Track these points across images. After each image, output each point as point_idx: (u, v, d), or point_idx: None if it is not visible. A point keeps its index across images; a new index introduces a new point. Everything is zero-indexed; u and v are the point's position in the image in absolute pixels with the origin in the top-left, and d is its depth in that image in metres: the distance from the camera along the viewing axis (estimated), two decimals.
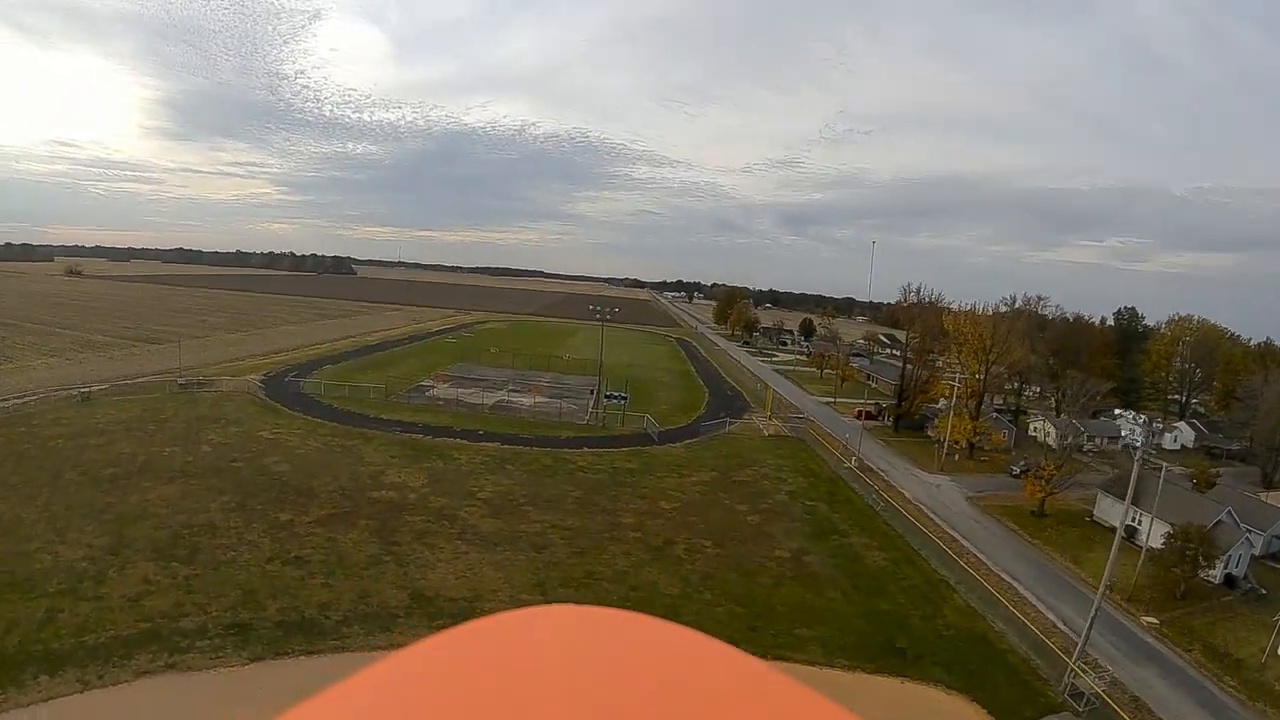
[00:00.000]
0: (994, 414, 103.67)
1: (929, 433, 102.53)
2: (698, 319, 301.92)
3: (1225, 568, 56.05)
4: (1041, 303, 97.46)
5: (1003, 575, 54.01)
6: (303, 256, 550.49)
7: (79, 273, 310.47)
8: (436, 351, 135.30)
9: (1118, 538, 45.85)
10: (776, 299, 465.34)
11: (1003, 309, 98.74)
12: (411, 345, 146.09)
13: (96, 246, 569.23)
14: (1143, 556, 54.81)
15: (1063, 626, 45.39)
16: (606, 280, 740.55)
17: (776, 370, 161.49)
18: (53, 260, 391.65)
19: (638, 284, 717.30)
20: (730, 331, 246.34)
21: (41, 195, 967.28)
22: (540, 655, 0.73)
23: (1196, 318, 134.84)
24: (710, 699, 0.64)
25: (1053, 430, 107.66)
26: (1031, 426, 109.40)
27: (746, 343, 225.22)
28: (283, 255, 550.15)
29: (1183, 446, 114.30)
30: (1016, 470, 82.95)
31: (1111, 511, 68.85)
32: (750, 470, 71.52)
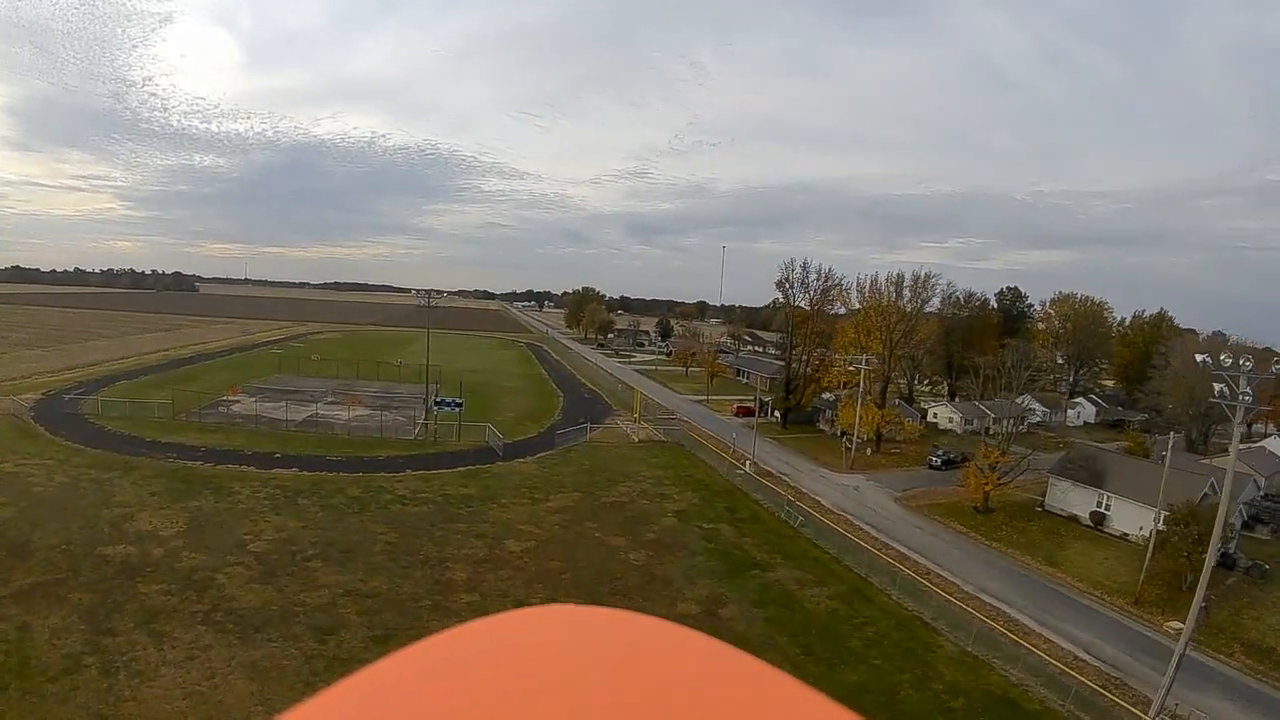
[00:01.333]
0: (897, 401, 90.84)
1: (822, 426, 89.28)
2: (549, 325, 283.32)
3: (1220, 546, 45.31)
4: (931, 282, 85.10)
5: (983, 597, 41.08)
6: (143, 274, 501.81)
7: None
8: (255, 363, 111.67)
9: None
10: (628, 305, 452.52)
11: (890, 288, 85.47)
12: (230, 358, 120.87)
13: None
14: (1150, 550, 43.47)
15: (1086, 656, 35.24)
16: (457, 293, 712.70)
17: (638, 371, 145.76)
18: None
19: (487, 295, 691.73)
20: (583, 335, 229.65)
21: None
22: (540, 655, 0.72)
23: (1079, 295, 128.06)
24: (710, 698, 0.64)
25: (955, 416, 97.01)
26: (931, 412, 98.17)
27: (601, 344, 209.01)
28: (121, 273, 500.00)
29: (1085, 423, 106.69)
30: (937, 461, 72.81)
31: (1069, 498, 57.99)
32: (624, 487, 54.39)
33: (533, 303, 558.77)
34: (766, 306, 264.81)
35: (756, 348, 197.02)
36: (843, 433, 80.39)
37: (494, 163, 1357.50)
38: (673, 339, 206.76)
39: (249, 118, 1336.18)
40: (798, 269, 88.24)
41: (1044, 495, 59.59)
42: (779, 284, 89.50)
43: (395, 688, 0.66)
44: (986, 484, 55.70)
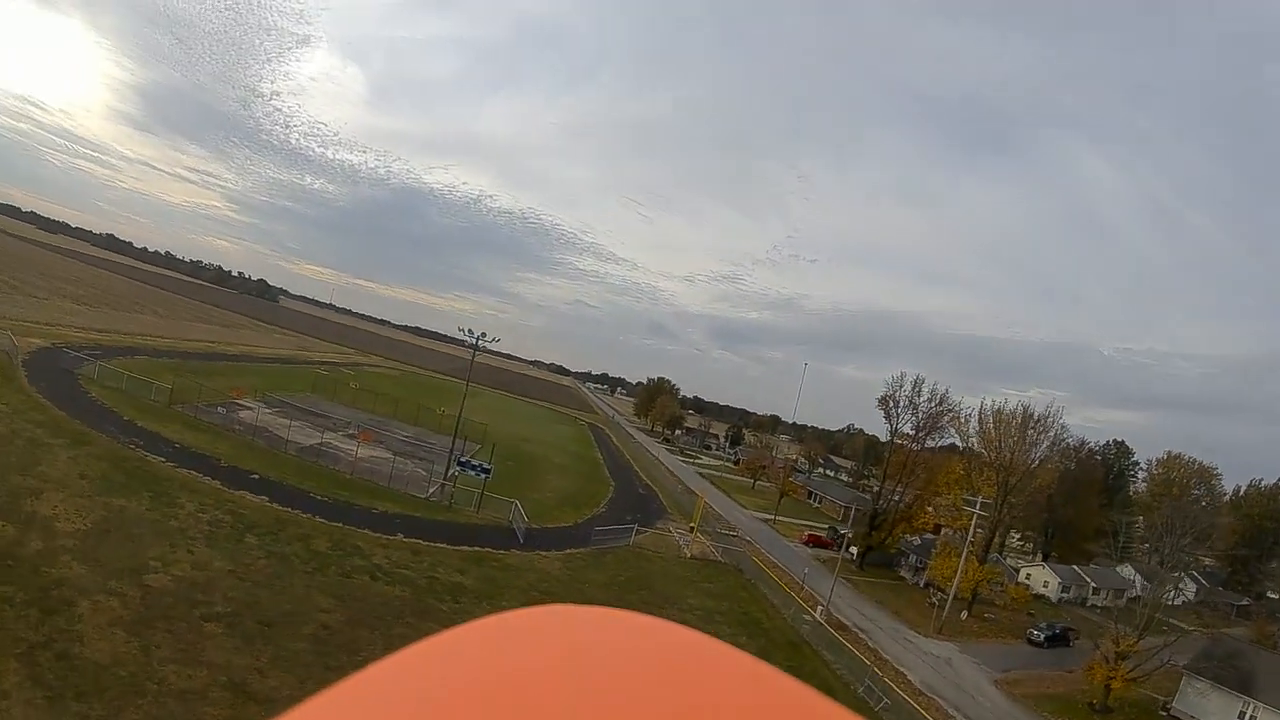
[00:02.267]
0: (996, 558, 77.72)
1: (903, 574, 76.49)
2: (616, 410, 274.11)
3: None
4: (1048, 421, 72.18)
5: None
6: (229, 273, 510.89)
7: None
8: (293, 377, 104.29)
9: None
10: (700, 406, 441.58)
11: (1013, 424, 72.78)
12: (269, 365, 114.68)
13: (31, 212, 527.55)
14: None
15: None
16: (531, 362, 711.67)
17: (701, 474, 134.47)
18: None
19: (563, 371, 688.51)
20: (650, 426, 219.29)
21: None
22: (540, 655, 0.71)
23: (1187, 456, 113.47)
24: (710, 698, 0.63)
25: (1052, 580, 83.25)
26: (1024, 573, 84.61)
27: (667, 440, 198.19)
28: (210, 267, 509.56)
29: (1184, 601, 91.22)
30: (1039, 635, 60.99)
31: (1206, 704, 47.21)
32: (664, 615, 43.03)
33: (605, 386, 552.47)
34: (840, 431, 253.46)
35: (828, 471, 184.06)
36: (928, 584, 68.07)
37: (592, 242, 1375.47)
38: (743, 446, 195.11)
39: (365, 151, 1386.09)
40: (907, 385, 76.65)
41: (1170, 695, 48.21)
42: (882, 400, 77.81)
43: (395, 688, 0.66)
44: (1113, 677, 43.89)
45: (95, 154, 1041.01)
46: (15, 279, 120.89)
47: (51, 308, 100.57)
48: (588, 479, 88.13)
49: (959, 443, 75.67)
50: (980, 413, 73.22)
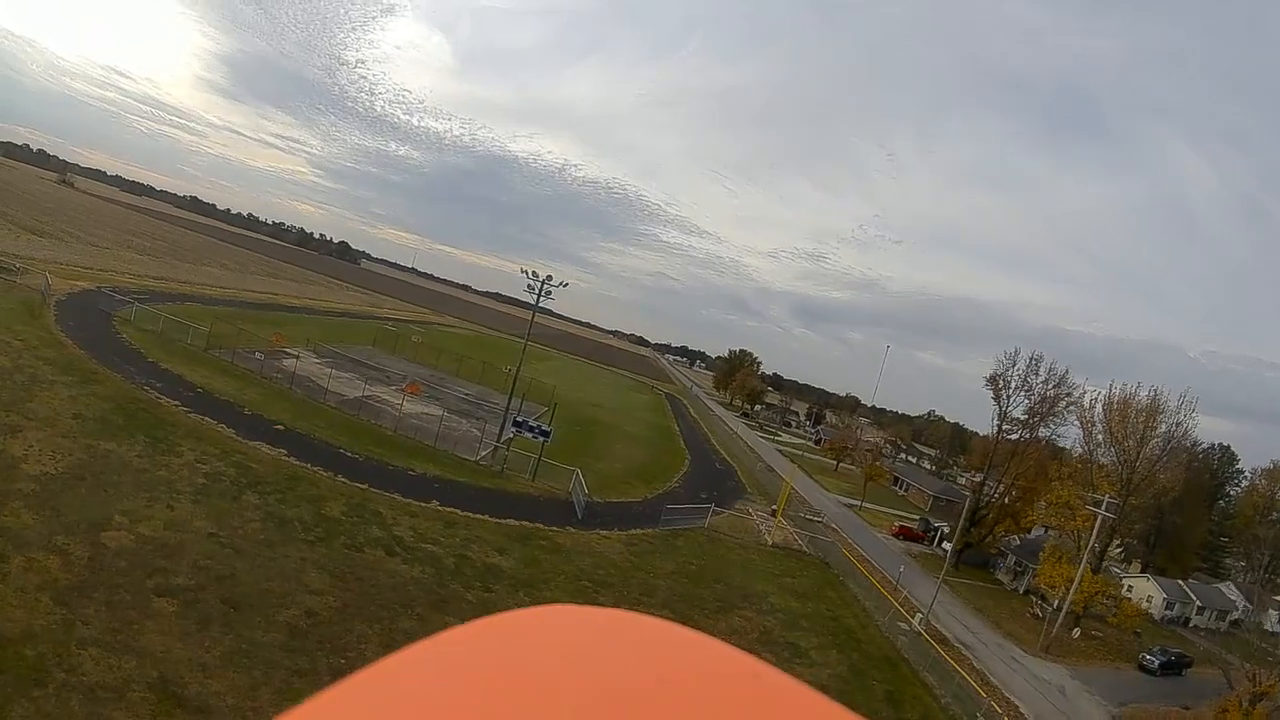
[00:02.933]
0: (1111, 568, 69.13)
1: (1000, 577, 68.64)
2: (695, 384, 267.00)
3: None
4: (1171, 416, 62.23)
5: None
6: (310, 234, 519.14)
7: (68, 183, 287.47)
8: (354, 330, 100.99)
9: None
10: (779, 384, 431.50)
11: (1139, 416, 63.34)
12: (333, 318, 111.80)
13: (116, 176, 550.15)
14: None
15: None
16: (611, 332, 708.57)
17: (780, 451, 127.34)
18: (53, 171, 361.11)
19: (642, 342, 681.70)
20: (729, 400, 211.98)
21: (87, 117, 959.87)
22: (540, 655, 0.71)
23: None
24: (711, 698, 0.63)
25: (1157, 596, 74.03)
26: (1126, 585, 75.52)
27: (746, 414, 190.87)
28: (292, 229, 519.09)
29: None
30: (1153, 662, 53.44)
31: None
32: (739, 616, 36.40)
33: (685, 359, 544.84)
34: (920, 417, 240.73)
35: (910, 458, 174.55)
36: (1029, 591, 60.64)
37: (677, 215, 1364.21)
38: (824, 426, 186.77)
39: (449, 119, 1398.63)
40: (1021, 363, 68.12)
41: None
42: (991, 379, 69.56)
43: (395, 687, 0.65)
44: None
45: (182, 121, 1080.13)
46: (80, 230, 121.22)
47: (111, 256, 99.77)
48: (661, 450, 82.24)
49: (1084, 428, 66.08)
50: (1107, 398, 63.74)
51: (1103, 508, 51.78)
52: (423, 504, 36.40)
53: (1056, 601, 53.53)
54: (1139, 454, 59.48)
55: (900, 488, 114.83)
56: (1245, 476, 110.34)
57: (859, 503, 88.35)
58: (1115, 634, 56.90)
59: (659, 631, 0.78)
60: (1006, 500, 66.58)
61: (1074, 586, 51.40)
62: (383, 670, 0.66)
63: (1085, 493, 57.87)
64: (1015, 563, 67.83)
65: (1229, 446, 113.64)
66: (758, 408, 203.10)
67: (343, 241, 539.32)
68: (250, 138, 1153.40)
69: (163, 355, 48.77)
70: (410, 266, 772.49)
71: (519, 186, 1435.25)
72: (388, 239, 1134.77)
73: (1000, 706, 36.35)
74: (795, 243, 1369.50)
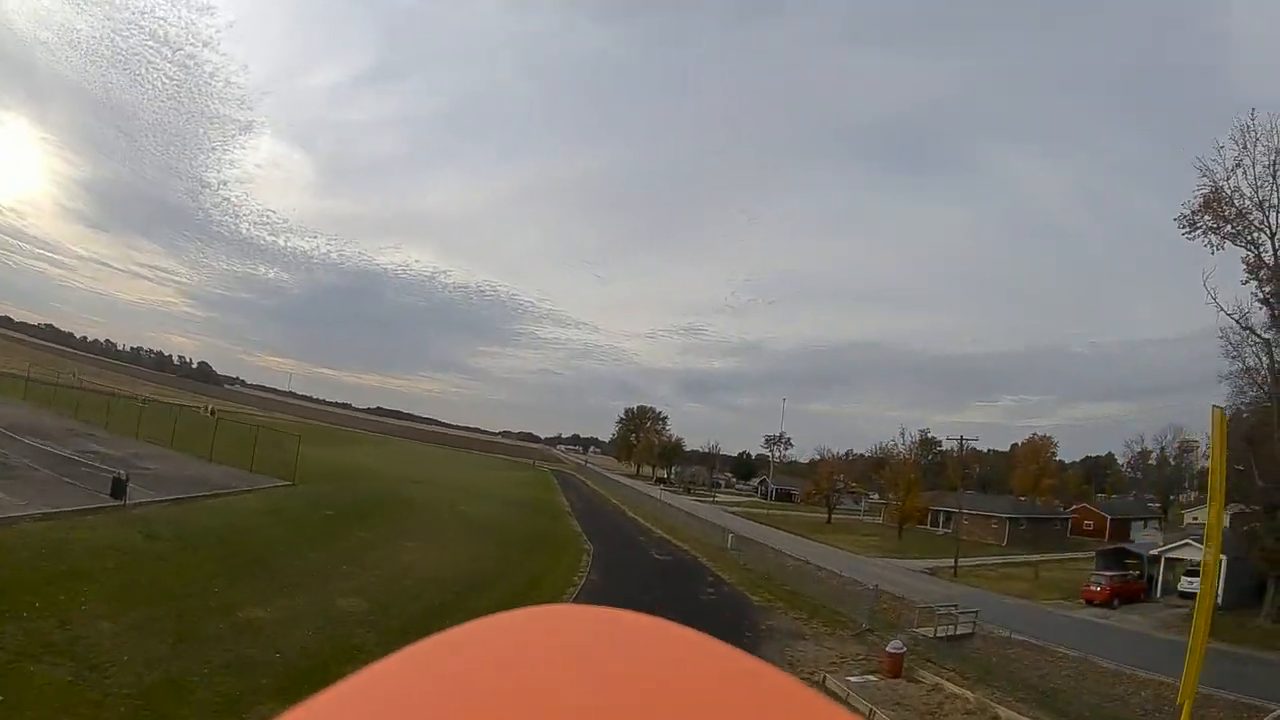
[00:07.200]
0: None
1: None
2: (593, 463, 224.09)
3: None
4: None
5: None
6: (168, 358, 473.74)
7: None
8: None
9: None
10: (684, 455, 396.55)
11: None
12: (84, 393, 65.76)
13: None
14: None
15: None
16: (500, 433, 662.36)
17: (734, 513, 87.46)
18: None
19: (532, 437, 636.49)
20: (636, 469, 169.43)
21: None
22: (540, 655, 0.71)
23: None
24: (711, 698, 0.63)
25: None
26: None
27: (663, 480, 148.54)
28: (148, 355, 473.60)
29: None
30: None
31: None
32: None
33: (578, 446, 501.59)
34: (839, 458, 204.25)
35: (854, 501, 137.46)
36: None
37: (551, 309, 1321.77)
38: (762, 479, 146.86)
39: (316, 237, 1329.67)
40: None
41: None
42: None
43: (395, 687, 0.65)
44: None
45: (48, 254, 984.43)
46: None
47: None
48: (530, 539, 40.31)
49: None
50: None
51: None
52: None
53: None
54: None
55: (937, 527, 76.08)
56: None
57: (931, 565, 48.77)
58: None
59: (658, 631, 0.77)
60: None
61: None
62: (381, 671, 0.66)
63: None
64: None
65: None
66: (676, 469, 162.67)
67: (203, 363, 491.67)
68: (119, 269, 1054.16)
69: None
70: (288, 390, 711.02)
71: (391, 299, 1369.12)
72: (268, 366, 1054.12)
73: None
74: (670, 319, 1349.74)
